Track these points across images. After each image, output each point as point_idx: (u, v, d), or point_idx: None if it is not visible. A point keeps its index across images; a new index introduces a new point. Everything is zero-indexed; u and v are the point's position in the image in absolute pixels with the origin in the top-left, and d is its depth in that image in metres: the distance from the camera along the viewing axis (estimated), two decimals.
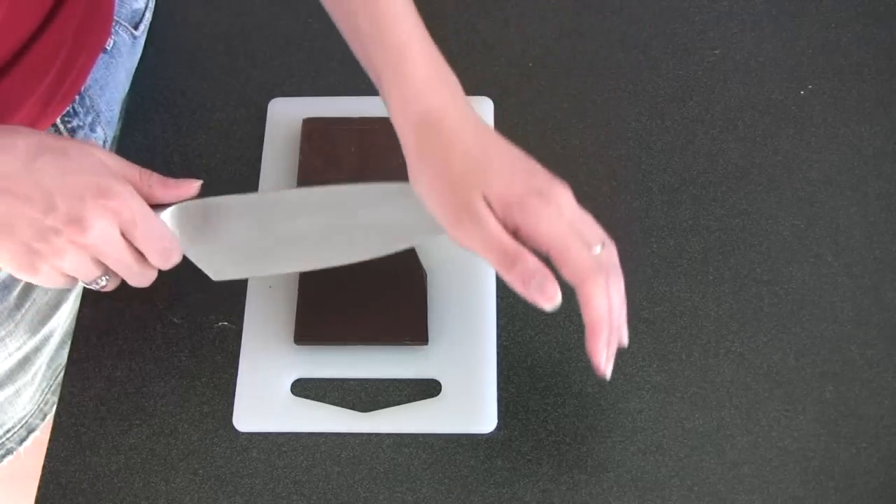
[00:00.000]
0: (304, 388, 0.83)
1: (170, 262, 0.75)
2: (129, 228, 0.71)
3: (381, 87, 0.75)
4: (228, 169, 0.93)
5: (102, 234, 0.70)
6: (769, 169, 0.91)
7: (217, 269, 0.78)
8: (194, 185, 0.75)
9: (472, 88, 0.96)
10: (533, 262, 0.69)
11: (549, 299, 0.69)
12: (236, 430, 0.81)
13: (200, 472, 0.80)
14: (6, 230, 0.69)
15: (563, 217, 0.69)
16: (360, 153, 0.89)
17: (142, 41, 1.00)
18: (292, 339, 0.84)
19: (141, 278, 0.75)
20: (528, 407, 0.81)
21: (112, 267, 0.73)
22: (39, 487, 0.80)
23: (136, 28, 0.99)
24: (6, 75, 0.81)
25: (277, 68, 0.98)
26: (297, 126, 0.93)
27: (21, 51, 0.81)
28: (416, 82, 0.74)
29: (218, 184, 0.92)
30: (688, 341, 0.84)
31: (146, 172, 0.74)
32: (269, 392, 0.82)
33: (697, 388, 0.81)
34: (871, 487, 0.78)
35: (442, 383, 0.82)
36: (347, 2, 0.76)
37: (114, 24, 0.95)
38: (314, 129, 0.92)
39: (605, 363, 0.71)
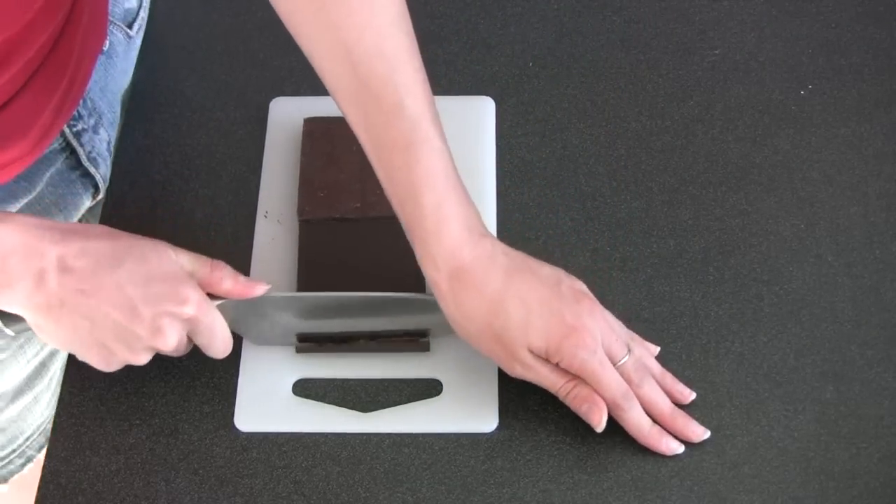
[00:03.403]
0: (306, 389, 0.83)
1: (224, 355, 0.80)
2: (197, 331, 0.77)
3: (412, 239, 0.78)
4: (228, 169, 0.93)
5: (177, 340, 0.76)
6: (769, 169, 0.91)
7: (256, 339, 0.83)
8: (263, 288, 0.79)
9: (472, 88, 0.96)
10: (584, 392, 0.77)
11: (595, 424, 0.77)
12: (237, 430, 0.81)
13: (200, 472, 0.80)
14: (86, 330, 0.74)
15: (595, 343, 0.76)
16: (361, 152, 0.88)
17: (138, 41, 1.00)
18: None
19: (180, 355, 0.80)
20: (528, 407, 0.81)
21: (166, 354, 0.78)
22: (39, 487, 0.80)
23: (130, 27, 0.98)
24: (28, 86, 0.81)
25: (278, 68, 0.98)
26: (299, 125, 0.92)
27: (43, 61, 0.81)
28: (449, 241, 0.76)
29: (218, 184, 0.92)
30: (688, 341, 0.84)
31: (217, 265, 0.78)
32: (271, 392, 0.82)
33: (697, 388, 0.81)
34: (871, 487, 0.78)
35: (442, 383, 0.82)
36: (388, 157, 0.78)
37: (108, 24, 0.94)
38: (315, 129, 0.92)
39: (669, 450, 0.79)
